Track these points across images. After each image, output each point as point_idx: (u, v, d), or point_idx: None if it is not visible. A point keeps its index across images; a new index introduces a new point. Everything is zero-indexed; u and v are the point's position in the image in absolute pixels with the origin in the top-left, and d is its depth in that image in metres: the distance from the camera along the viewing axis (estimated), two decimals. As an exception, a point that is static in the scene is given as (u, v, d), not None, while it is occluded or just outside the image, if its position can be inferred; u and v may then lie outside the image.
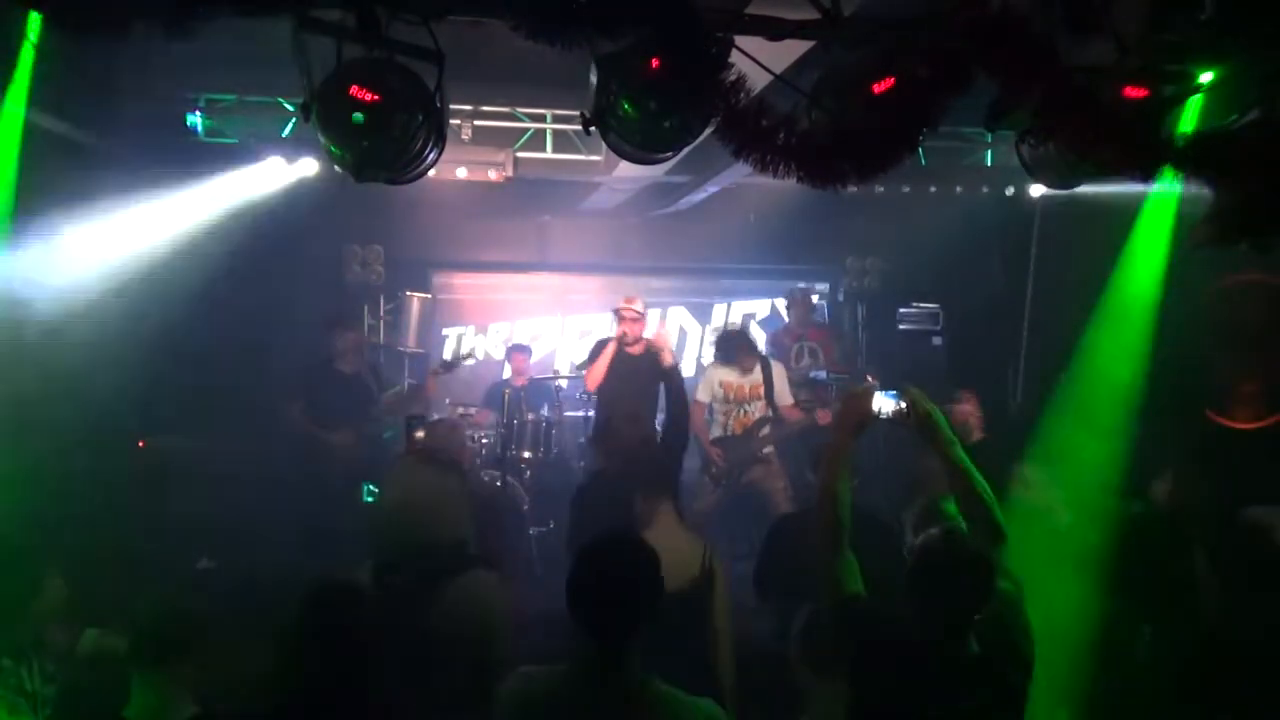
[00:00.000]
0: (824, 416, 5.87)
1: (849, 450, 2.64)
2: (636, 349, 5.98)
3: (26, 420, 4.50)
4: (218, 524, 5.61)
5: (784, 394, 6.20)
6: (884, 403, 2.65)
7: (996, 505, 2.57)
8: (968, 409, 3.98)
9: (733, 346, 6.22)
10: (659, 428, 5.60)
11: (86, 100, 5.21)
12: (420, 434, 4.64)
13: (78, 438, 4.90)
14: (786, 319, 8.25)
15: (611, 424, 4.66)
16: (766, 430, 6.11)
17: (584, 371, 6.30)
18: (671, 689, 2.22)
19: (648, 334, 6.05)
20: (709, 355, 9.01)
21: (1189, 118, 4.12)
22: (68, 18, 2.74)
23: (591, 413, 6.70)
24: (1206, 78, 3.29)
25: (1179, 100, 3.27)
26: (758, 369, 6.17)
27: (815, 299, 8.37)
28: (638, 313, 6.01)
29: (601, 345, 6.24)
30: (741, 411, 6.11)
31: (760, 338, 8.28)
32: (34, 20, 3.70)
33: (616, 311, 6.15)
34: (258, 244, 6.43)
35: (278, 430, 6.28)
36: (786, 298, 8.25)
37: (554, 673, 2.24)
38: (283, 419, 6.24)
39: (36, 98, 4.47)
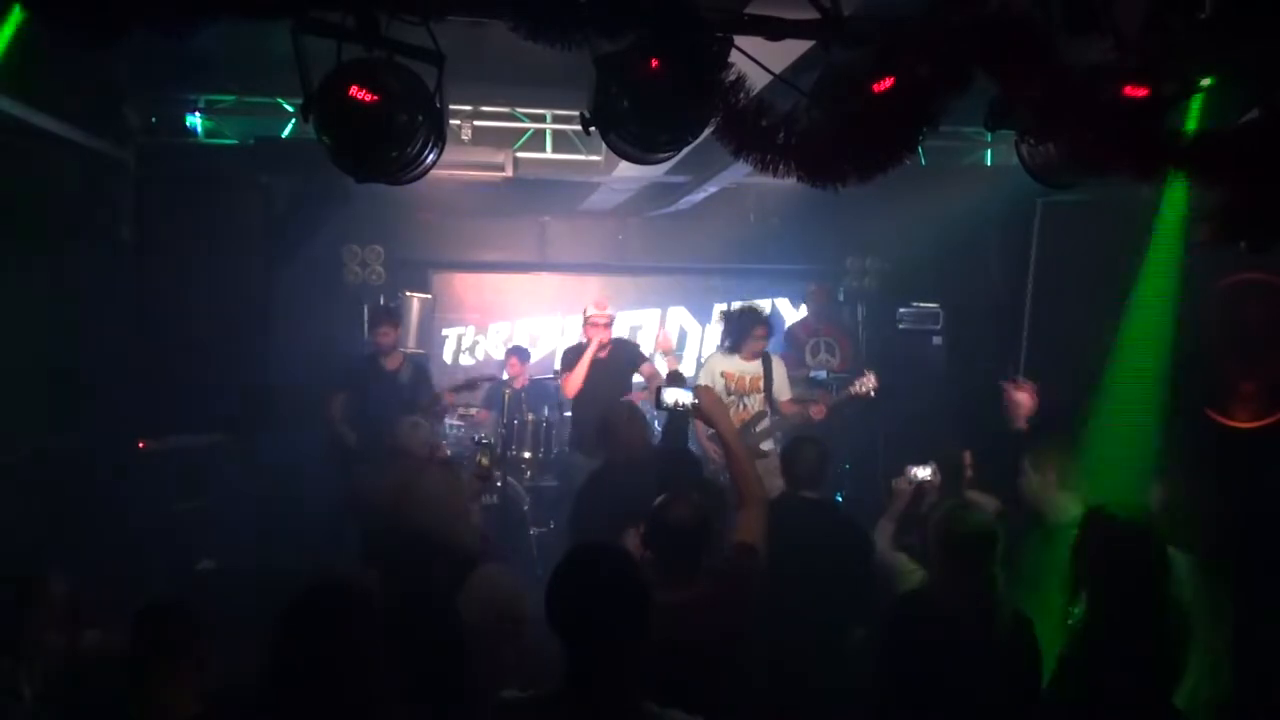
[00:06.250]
0: (818, 412, 5.93)
1: None
2: (604, 352, 6.26)
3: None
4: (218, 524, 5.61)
5: (782, 389, 6.16)
6: (678, 395, 3.15)
7: (761, 484, 3.05)
8: (1021, 396, 3.94)
9: (744, 331, 5.96)
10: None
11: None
12: (485, 460, 4.76)
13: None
14: (804, 313, 8.19)
15: (610, 424, 4.66)
16: (765, 424, 6.09)
17: (563, 377, 6.35)
18: (671, 712, 2.04)
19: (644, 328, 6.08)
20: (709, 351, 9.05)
21: (1189, 118, 4.11)
22: (66, 19, 2.73)
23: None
24: (1206, 78, 3.29)
25: (1179, 100, 3.26)
26: (758, 359, 6.12)
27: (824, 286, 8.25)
28: (610, 317, 6.32)
29: (576, 352, 6.28)
30: (741, 405, 6.06)
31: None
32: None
33: (587, 317, 6.23)
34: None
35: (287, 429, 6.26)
36: (806, 292, 8.21)
37: (537, 699, 2.07)
38: (322, 412, 6.26)
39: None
